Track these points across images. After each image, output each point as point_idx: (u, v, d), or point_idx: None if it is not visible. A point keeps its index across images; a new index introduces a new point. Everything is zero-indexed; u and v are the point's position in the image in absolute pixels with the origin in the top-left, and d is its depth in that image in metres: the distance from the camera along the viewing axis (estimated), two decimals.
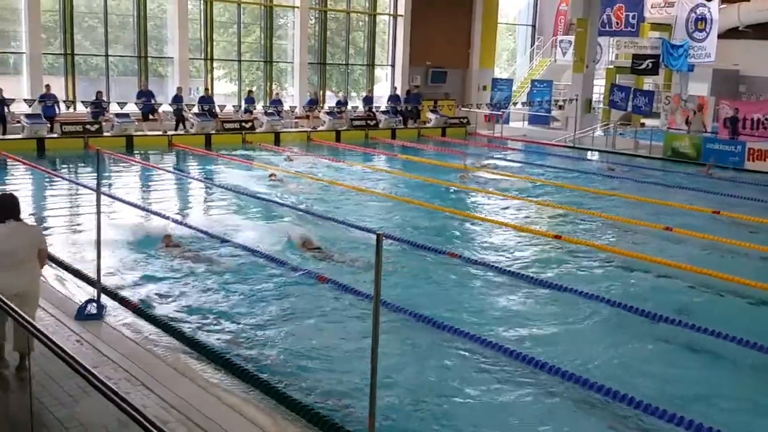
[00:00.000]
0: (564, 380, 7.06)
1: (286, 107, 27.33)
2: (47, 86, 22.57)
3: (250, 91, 27.32)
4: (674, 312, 9.02)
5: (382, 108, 29.42)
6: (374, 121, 28.40)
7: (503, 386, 7.09)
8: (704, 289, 10.36)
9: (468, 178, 19.09)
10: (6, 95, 21.67)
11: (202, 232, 12.26)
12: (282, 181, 17.57)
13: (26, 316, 5.03)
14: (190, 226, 12.58)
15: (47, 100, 22.12)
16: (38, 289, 6.62)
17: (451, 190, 17.77)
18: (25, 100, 22.37)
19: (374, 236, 4.33)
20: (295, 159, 21.60)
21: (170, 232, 11.75)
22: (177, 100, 24.36)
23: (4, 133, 21.56)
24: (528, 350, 7.75)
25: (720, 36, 31.87)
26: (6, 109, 21.70)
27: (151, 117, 24.18)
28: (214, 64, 27.89)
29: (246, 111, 26.20)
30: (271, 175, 17.75)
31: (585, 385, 6.92)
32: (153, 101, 24.19)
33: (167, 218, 12.95)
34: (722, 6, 32.11)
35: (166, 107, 24.45)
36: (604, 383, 6.90)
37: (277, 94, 28.10)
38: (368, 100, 29.49)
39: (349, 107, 28.68)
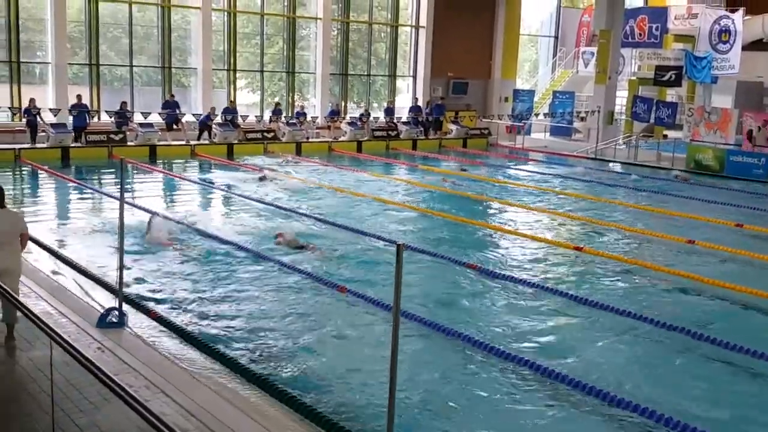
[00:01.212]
0: (583, 393, 7.02)
1: (308, 117, 27.45)
2: (78, 96, 22.75)
3: (278, 104, 27.50)
4: (696, 325, 8.95)
5: (404, 119, 29.47)
6: (395, 132, 28.46)
7: (522, 397, 7.06)
8: (727, 303, 10.27)
9: (455, 183, 19.57)
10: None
11: (220, 240, 12.36)
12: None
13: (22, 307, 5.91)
14: (209, 235, 12.69)
15: (75, 110, 22.28)
16: (20, 267, 7.63)
17: (451, 194, 17.77)
18: (50, 109, 22.66)
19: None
20: (294, 164, 22.30)
21: (161, 229, 12.32)
22: (208, 118, 24.56)
23: (33, 143, 21.81)
24: (546, 362, 7.70)
25: (744, 48, 31.60)
26: (38, 119, 21.94)
27: (174, 127, 24.42)
28: (237, 75, 28.12)
29: (270, 122, 26.37)
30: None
31: (605, 399, 6.88)
32: (178, 112, 24.43)
33: (192, 227, 13.05)
34: (746, 18, 31.85)
35: (189, 117, 24.67)
36: (624, 396, 6.86)
37: (301, 106, 28.27)
38: (389, 111, 29.55)
39: (370, 118, 28.75)
